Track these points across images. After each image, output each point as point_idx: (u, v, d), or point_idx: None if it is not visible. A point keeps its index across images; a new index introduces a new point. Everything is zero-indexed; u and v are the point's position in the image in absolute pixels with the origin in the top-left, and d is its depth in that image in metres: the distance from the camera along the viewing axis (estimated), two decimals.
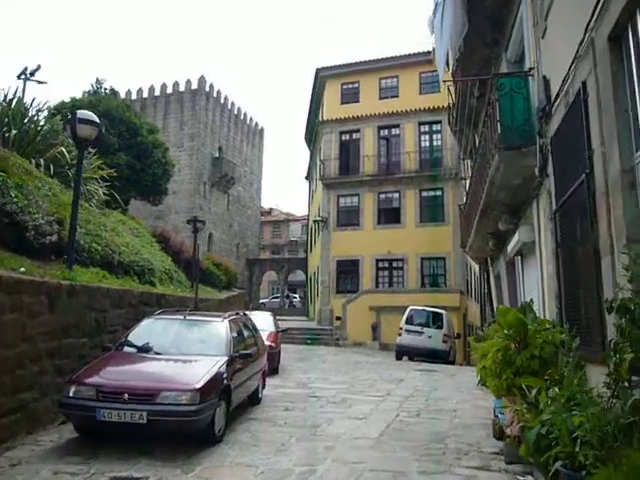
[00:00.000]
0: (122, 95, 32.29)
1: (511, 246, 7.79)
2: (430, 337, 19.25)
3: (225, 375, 6.94)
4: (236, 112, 48.30)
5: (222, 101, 46.20)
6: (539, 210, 6.68)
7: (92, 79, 25.51)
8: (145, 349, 7.22)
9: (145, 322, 7.96)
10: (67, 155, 13.20)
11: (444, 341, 19.38)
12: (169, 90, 44.72)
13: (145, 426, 5.86)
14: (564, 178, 5.32)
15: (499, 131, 6.68)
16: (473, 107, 11.68)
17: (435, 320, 19.78)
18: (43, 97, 60.79)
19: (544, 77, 5.86)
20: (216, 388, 6.53)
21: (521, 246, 7.33)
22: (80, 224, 10.51)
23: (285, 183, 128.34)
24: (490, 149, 7.42)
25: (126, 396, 5.94)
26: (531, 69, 6.86)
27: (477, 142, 12.66)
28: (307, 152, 40.85)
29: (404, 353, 19.85)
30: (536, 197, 6.76)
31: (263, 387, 9.80)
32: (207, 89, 44.15)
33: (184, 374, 6.54)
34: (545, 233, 6.24)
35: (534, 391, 4.79)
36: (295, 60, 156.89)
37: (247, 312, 15.81)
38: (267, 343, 12.79)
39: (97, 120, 9.48)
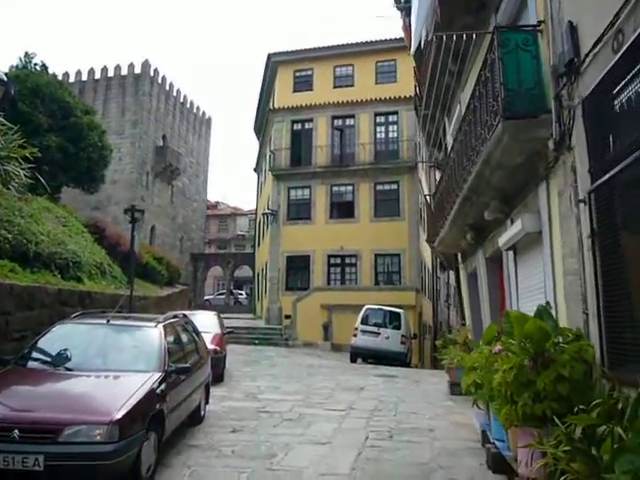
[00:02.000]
0: (59, 76, 29.67)
1: (505, 239, 6.61)
2: (387, 338, 18.10)
3: (157, 397, 5.44)
4: (182, 100, 46.02)
5: (167, 88, 43.84)
6: (549, 193, 5.48)
7: (21, 53, 23.06)
8: (53, 364, 5.63)
9: (57, 328, 6.33)
10: None
11: (402, 342, 18.27)
12: (110, 73, 41.99)
13: (43, 475, 4.30)
14: (604, 150, 4.11)
15: (502, 96, 5.42)
16: (447, 87, 10.50)
17: (392, 320, 18.66)
18: None
19: (570, 24, 4.63)
20: (143, 416, 5.02)
21: (520, 238, 6.12)
22: None
23: (233, 177, 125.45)
24: (485, 121, 6.18)
25: (16, 433, 4.34)
26: (540, 22, 5.65)
27: (452, 125, 11.52)
28: (256, 144, 39.21)
29: (359, 355, 18.64)
30: (546, 178, 5.55)
31: (206, 402, 8.31)
32: (151, 74, 41.71)
33: (101, 399, 4.98)
34: (562, 221, 5.03)
35: (577, 429, 3.53)
36: (244, 49, 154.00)
37: (189, 312, 14.31)
38: (211, 347, 11.31)
39: (3, 77, 7.70)
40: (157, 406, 5.37)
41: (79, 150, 21.04)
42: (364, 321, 18.64)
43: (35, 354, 5.83)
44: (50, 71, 23.14)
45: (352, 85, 28.48)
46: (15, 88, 8.41)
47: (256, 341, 22.77)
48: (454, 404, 9.73)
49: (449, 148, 11.47)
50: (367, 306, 19.08)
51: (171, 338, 6.80)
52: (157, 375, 5.67)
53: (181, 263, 40.72)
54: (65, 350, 5.87)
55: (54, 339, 6.09)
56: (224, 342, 12.73)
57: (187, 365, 6.21)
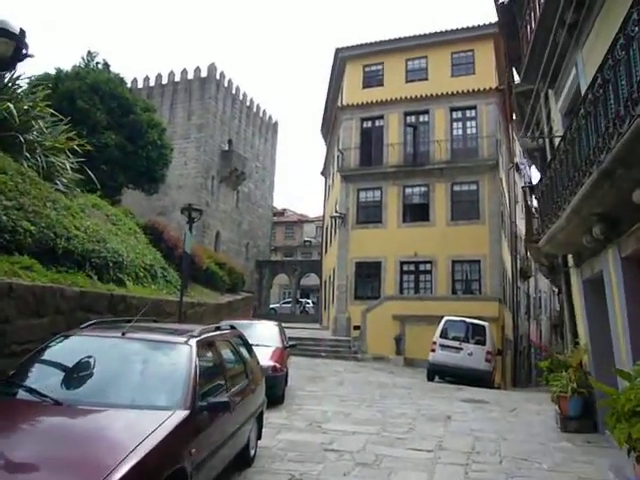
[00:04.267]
0: (128, 83, 29.18)
1: None
2: (470, 355, 15.90)
3: (178, 448, 3.77)
4: (248, 104, 45.34)
5: (233, 91, 43.25)
6: None
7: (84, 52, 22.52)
8: (40, 393, 4.05)
9: (56, 343, 4.77)
10: (15, 113, 10.04)
11: (487, 360, 15.99)
12: (177, 78, 41.91)
13: None
14: None
15: None
16: (557, 45, 8.41)
17: (475, 334, 16.42)
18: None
19: None
20: (154, 478, 3.36)
21: None
22: (8, 194, 7.48)
23: (299, 184, 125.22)
24: None
25: None
26: None
27: (561, 97, 9.37)
28: (323, 147, 37.68)
29: (437, 373, 16.54)
30: None
31: (258, 437, 6.61)
32: (217, 77, 41.26)
33: (91, 455, 3.33)
34: None
35: None
36: (312, 49, 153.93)
37: (245, 321, 12.74)
38: (269, 364, 9.67)
39: (13, 29, 6.31)
40: (177, 462, 3.69)
41: (138, 148, 20.16)
42: (443, 334, 16.52)
43: (19, 378, 4.29)
44: (107, 61, 22.39)
45: (426, 79, 26.40)
46: (24, 41, 6.92)
47: (322, 354, 21.05)
48: (573, 447, 7.58)
49: (556, 126, 9.37)
50: (447, 317, 16.95)
51: (208, 358, 5.15)
52: (181, 415, 4.00)
53: (246, 270, 39.79)
54: (58, 374, 4.31)
55: (48, 358, 4.56)
56: (285, 357, 11.04)
57: (225, 400, 4.49)
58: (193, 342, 4.81)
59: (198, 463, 4.06)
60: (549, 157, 9.84)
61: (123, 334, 4.88)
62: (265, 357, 10.15)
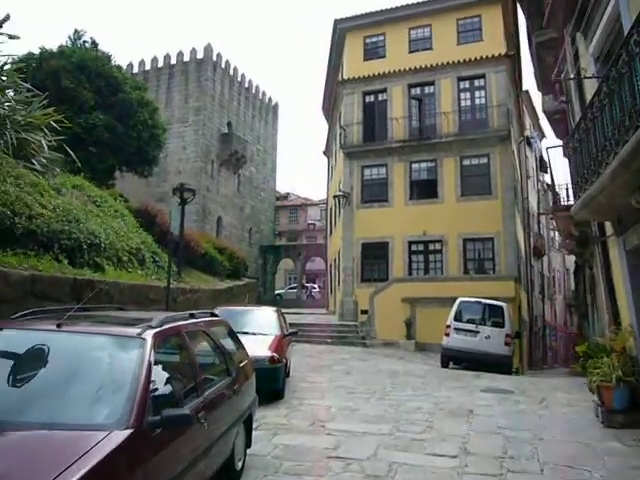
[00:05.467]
0: (123, 67, 27.66)
1: None
2: (488, 338, 14.73)
3: None
4: (247, 85, 43.86)
5: (231, 72, 41.77)
6: None
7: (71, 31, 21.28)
8: None
9: None
10: None
11: (506, 344, 14.82)
12: (173, 61, 40.43)
13: None
14: None
15: None
16: None
17: (492, 315, 15.24)
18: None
19: None
20: None
21: None
22: None
23: (303, 167, 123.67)
24: None
25: None
26: None
27: (595, 37, 8.06)
28: (325, 126, 36.29)
29: (452, 359, 15.39)
30: None
31: (247, 444, 5.49)
32: (214, 59, 39.76)
33: None
34: None
35: None
36: (312, 28, 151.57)
37: (241, 308, 11.61)
38: (265, 354, 8.56)
39: None
40: None
41: (128, 129, 18.97)
42: (458, 317, 15.35)
43: None
44: (95, 39, 21.08)
45: (430, 48, 24.95)
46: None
47: (328, 340, 19.94)
48: (624, 448, 6.40)
49: (587, 73, 8.10)
50: (461, 299, 15.76)
51: (172, 355, 4.01)
52: (121, 436, 2.85)
53: (249, 256, 38.66)
54: None
55: None
56: (286, 346, 9.90)
57: (183, 413, 3.30)
58: (149, 335, 3.64)
59: None
60: (576, 116, 8.56)
61: (59, 326, 3.72)
62: (262, 347, 9.07)
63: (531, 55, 11.44)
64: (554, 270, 43.09)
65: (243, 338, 9.47)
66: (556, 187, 12.70)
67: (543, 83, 11.19)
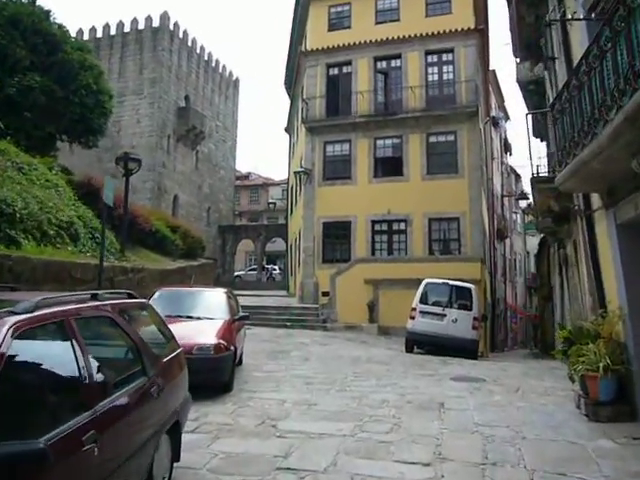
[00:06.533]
0: (73, 34, 25.47)
1: None
2: (455, 321, 13.95)
3: None
4: (206, 58, 42.04)
5: (189, 44, 39.90)
6: None
7: None
8: None
9: None
10: None
11: (474, 327, 14.08)
12: (127, 29, 38.31)
13: None
14: None
15: None
16: None
17: (460, 297, 14.46)
18: None
19: None
20: None
21: None
22: None
23: (265, 146, 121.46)
24: None
25: None
26: None
27: None
28: (288, 103, 34.89)
29: (417, 343, 14.59)
30: None
31: (175, 458, 4.39)
32: (171, 28, 37.91)
33: None
34: None
35: None
36: (275, 3, 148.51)
37: (183, 288, 10.45)
38: (209, 342, 7.49)
39: None
40: None
41: (69, 93, 17.31)
42: (423, 299, 14.52)
43: None
44: (41, 5, 19.14)
45: (397, 19, 23.79)
46: None
47: (288, 323, 18.94)
48: (617, 446, 5.57)
49: (577, 29, 7.17)
50: (427, 280, 14.92)
51: (47, 353, 2.89)
52: None
53: (208, 236, 37.23)
54: None
55: None
56: (235, 332, 8.79)
57: (34, 448, 2.18)
58: (5, 324, 2.51)
59: None
60: (559, 78, 7.63)
61: None
62: (207, 333, 7.99)
63: (510, 17, 10.50)
64: (515, 253, 43.06)
65: (185, 323, 8.46)
66: (534, 158, 11.84)
67: (521, 47, 10.30)
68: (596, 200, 7.36)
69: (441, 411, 7.05)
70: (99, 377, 3.07)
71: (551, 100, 11.23)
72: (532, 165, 11.00)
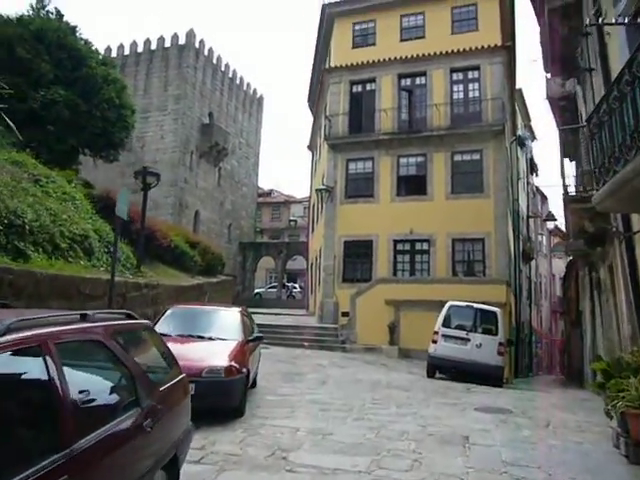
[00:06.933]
0: (101, 51, 25.65)
1: None
2: (479, 347, 13.37)
3: None
4: (230, 75, 42.24)
5: (214, 61, 40.15)
6: None
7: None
8: None
9: None
10: None
11: (499, 353, 13.47)
12: (153, 46, 38.72)
13: None
14: None
15: None
16: None
17: (484, 322, 13.89)
18: None
19: None
20: None
21: None
22: None
23: (288, 164, 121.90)
24: None
25: None
26: None
27: None
28: (311, 120, 34.72)
29: (439, 368, 14.01)
30: None
31: None
32: (196, 45, 38.17)
33: None
34: None
35: None
36: (300, 23, 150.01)
37: (197, 306, 10.08)
38: (219, 364, 7.10)
39: None
40: None
41: (92, 107, 17.29)
42: (447, 323, 13.96)
43: None
44: (59, 9, 19.22)
45: (423, 37, 23.59)
46: None
47: (305, 343, 18.49)
48: None
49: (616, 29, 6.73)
50: (450, 303, 14.37)
51: (20, 386, 2.52)
52: None
53: (228, 252, 37.07)
54: None
55: None
56: (248, 354, 8.39)
57: None
58: None
59: None
60: (595, 91, 7.14)
61: None
62: (218, 355, 7.60)
63: (541, 30, 10.07)
64: (540, 275, 42.11)
65: (197, 344, 8.08)
66: (565, 177, 11.35)
67: (552, 61, 9.86)
68: (637, 221, 6.84)
69: (465, 446, 6.53)
70: (80, 411, 2.69)
71: (584, 116, 10.77)
72: (564, 184, 10.47)
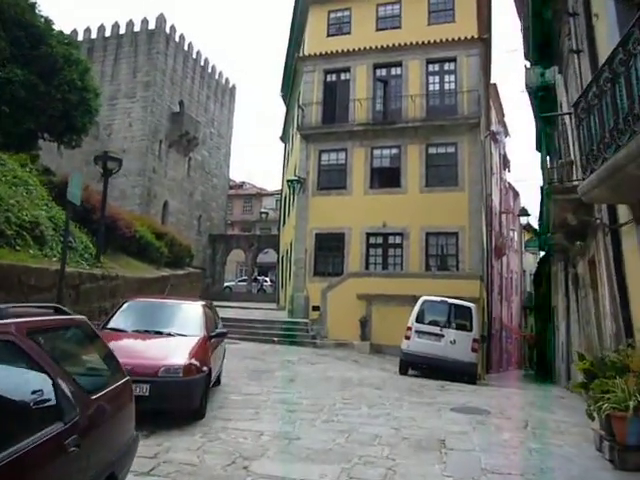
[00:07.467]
0: (67, 33, 24.36)
1: None
2: (453, 343, 12.99)
3: None
4: (202, 63, 41.31)
5: (185, 48, 39.17)
6: None
7: None
8: None
9: None
10: None
11: (473, 350, 13.12)
12: (122, 30, 37.52)
13: None
14: None
15: None
16: None
17: (459, 317, 13.52)
18: None
19: None
20: None
21: None
22: None
23: (260, 157, 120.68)
24: None
25: None
26: None
27: None
28: (284, 110, 34.02)
29: (412, 364, 13.62)
30: None
31: None
32: (167, 31, 37.17)
33: None
34: None
35: None
36: (273, 14, 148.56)
37: (151, 299, 9.42)
38: (176, 362, 6.51)
39: None
40: None
41: (52, 88, 16.34)
42: (420, 318, 13.56)
43: None
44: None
45: (399, 27, 23.12)
46: None
47: (275, 338, 17.94)
48: None
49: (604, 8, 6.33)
50: (424, 297, 13.97)
51: None
52: None
53: (197, 244, 36.26)
54: None
55: None
56: (211, 351, 7.79)
57: None
58: None
59: None
60: (584, 75, 6.72)
61: None
62: (176, 353, 7.01)
63: (522, 15, 9.66)
64: (511, 271, 42.27)
65: (154, 340, 7.47)
66: (545, 169, 10.97)
67: (533, 48, 9.47)
68: (624, 213, 6.47)
69: (442, 452, 6.08)
70: None
71: (564, 106, 10.41)
72: (547, 176, 10.12)
